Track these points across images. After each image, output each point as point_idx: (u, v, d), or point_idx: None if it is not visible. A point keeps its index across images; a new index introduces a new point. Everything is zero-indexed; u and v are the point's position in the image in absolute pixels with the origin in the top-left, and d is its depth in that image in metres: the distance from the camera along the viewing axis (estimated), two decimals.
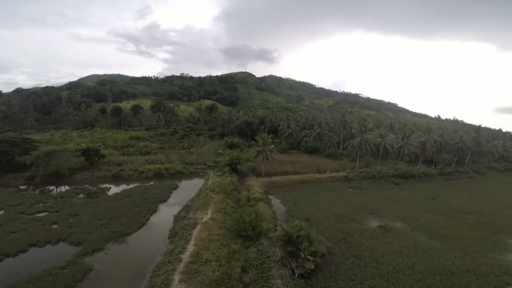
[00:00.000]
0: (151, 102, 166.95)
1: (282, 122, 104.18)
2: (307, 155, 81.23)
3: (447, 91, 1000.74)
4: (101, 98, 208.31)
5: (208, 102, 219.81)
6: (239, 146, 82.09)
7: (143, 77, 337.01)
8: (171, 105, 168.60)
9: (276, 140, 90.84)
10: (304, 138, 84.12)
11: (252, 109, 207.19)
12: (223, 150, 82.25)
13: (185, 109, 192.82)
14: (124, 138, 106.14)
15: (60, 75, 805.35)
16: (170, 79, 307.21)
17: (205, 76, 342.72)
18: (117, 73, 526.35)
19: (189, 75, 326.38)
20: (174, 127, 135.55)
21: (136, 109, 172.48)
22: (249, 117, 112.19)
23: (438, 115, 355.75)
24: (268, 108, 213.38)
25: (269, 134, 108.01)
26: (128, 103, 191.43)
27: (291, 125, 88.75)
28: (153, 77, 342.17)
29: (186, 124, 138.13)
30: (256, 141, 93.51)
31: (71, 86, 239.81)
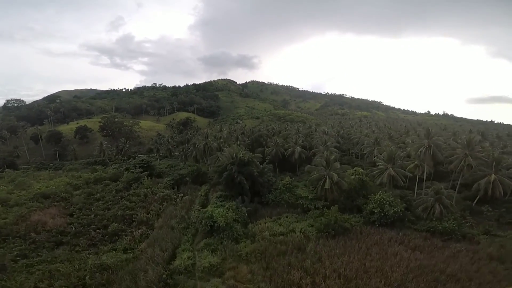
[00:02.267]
0: (99, 122, 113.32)
1: (299, 149, 55.41)
2: (382, 229, 33.62)
3: (422, 86, 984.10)
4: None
5: (184, 114, 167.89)
6: (231, 229, 32.27)
7: (111, 90, 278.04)
8: (128, 124, 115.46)
9: (301, 192, 41.76)
10: (373, 196, 35.53)
11: (238, 120, 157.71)
12: (192, 245, 32.56)
13: (152, 126, 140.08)
14: (18, 200, 54.23)
15: (32, 92, 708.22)
16: (140, 91, 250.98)
17: (181, 85, 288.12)
18: (89, 88, 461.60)
19: (163, 84, 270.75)
20: (124, 159, 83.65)
21: (81, 132, 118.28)
22: (238, 143, 62.28)
23: (428, 111, 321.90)
24: (257, 118, 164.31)
25: (278, 171, 59.04)
26: (78, 123, 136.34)
27: (331, 161, 39.69)
28: (123, 90, 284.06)
29: (146, 153, 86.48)
30: (257, 192, 42.98)
31: (9, 107, 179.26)
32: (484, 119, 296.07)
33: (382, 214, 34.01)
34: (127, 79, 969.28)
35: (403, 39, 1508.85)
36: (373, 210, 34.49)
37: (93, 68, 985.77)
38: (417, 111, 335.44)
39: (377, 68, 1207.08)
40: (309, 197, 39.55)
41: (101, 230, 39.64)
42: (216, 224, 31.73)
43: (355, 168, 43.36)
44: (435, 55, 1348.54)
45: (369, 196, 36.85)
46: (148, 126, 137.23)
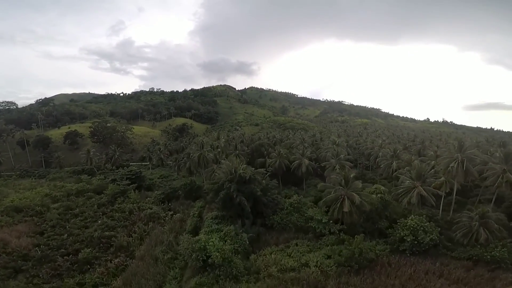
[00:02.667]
0: (90, 127, 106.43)
1: (306, 162, 48.88)
2: (415, 259, 27.00)
3: (419, 92, 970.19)
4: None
5: (181, 120, 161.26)
6: (230, 264, 25.45)
7: (108, 94, 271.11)
8: (120, 130, 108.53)
9: (312, 213, 34.99)
10: (403, 221, 29.02)
11: (237, 127, 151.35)
12: (179, 284, 25.60)
13: (147, 132, 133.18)
14: None
15: (31, 95, 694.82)
16: (137, 95, 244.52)
17: (179, 90, 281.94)
18: (87, 92, 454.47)
19: (161, 89, 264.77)
20: (112, 168, 76.63)
21: (71, 138, 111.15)
22: (237, 152, 55.78)
23: (428, 118, 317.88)
24: (256, 125, 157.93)
25: (281, 184, 52.31)
26: (69, 128, 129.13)
27: (351, 179, 32.82)
28: (121, 94, 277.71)
29: (139, 161, 79.57)
30: (260, 213, 34.83)
31: (0, 109, 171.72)
32: (483, 126, 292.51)
33: (416, 242, 27.43)
34: (126, 84, 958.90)
35: (400, 46, 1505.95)
36: (404, 237, 27.84)
37: (93, 72, 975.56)
38: (416, 118, 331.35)
39: (375, 75, 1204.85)
40: (323, 220, 32.72)
41: (71, 256, 32.44)
42: (210, 259, 24.81)
43: (375, 185, 36.82)
44: (432, 62, 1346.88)
45: (398, 220, 30.18)
46: (142, 132, 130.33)
